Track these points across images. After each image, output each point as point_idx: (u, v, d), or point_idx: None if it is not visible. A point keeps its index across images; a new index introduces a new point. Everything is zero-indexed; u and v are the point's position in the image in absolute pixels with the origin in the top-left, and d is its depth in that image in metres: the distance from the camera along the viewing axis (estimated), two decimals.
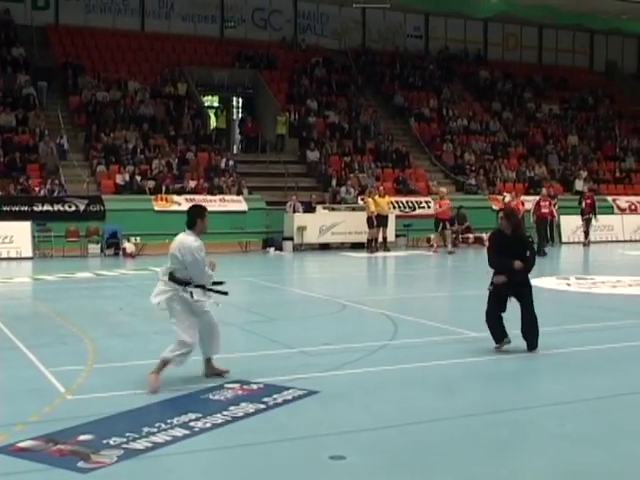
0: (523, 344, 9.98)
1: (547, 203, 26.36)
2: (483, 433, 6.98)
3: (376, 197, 26.59)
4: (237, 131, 35.91)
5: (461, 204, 29.39)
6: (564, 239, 30.00)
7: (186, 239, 8.43)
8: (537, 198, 26.96)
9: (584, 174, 34.59)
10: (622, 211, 32.95)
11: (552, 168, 35.37)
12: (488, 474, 5.97)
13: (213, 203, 26.54)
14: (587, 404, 7.81)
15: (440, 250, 26.10)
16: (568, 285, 17.19)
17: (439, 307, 14.70)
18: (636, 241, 31.75)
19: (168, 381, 8.32)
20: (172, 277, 8.34)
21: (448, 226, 26.65)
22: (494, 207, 28.92)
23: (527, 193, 31.37)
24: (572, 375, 9.07)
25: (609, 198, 33.32)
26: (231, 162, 29.81)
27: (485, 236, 27.95)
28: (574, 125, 39.15)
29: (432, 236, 27.30)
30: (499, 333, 9.91)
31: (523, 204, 27.13)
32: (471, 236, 28.73)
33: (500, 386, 8.70)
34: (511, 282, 9.85)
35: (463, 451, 6.46)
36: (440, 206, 26.51)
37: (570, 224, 30.02)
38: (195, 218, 8.57)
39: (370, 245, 26.27)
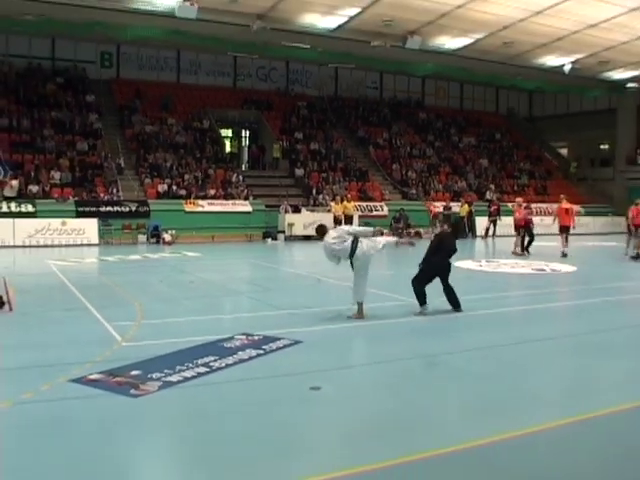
0: (449, 307, 10.07)
1: (565, 210, 19.76)
2: (418, 371, 7.05)
3: (344, 202, 26.79)
4: (245, 154, 35.82)
5: (402, 207, 29.68)
6: (477, 233, 30.09)
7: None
8: (558, 206, 20.54)
9: (492, 187, 34.84)
10: None
11: (469, 182, 35.48)
12: (421, 398, 6.04)
13: (227, 206, 26.59)
14: (489, 350, 7.88)
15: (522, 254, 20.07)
16: (480, 266, 17.27)
17: (389, 281, 14.71)
18: None
19: (194, 332, 8.31)
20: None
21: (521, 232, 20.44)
22: (429, 210, 28.87)
23: (452, 200, 31.59)
24: (481, 329, 9.13)
25: (509, 204, 33.36)
26: (240, 177, 29.70)
27: (422, 230, 28.09)
28: (485, 152, 39.26)
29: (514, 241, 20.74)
30: (423, 299, 9.91)
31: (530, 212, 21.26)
32: (412, 231, 28.81)
33: (430, 337, 8.75)
34: (447, 266, 10.06)
35: (405, 384, 6.52)
36: (519, 213, 20.53)
37: (481, 223, 30.07)
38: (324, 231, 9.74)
39: None
